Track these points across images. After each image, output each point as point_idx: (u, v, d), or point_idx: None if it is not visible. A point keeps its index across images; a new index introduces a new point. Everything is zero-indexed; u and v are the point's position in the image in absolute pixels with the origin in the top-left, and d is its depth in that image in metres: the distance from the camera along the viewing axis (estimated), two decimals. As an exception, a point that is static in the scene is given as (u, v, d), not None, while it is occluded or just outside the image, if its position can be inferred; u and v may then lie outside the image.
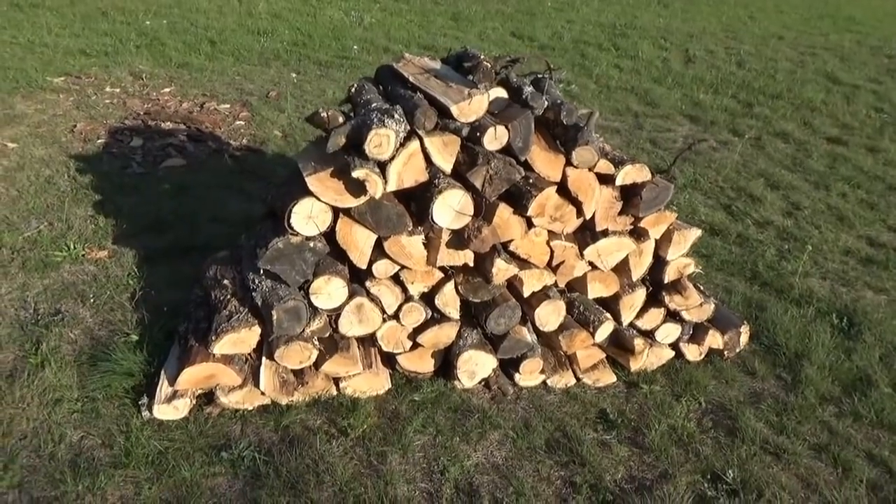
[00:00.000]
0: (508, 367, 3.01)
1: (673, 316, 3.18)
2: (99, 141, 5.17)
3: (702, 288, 3.43)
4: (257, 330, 2.69)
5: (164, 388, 2.68)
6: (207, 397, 2.75)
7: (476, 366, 2.89)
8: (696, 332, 3.25)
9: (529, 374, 2.99)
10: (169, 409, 2.63)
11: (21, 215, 4.01)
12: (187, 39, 8.11)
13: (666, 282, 3.10)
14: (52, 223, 3.97)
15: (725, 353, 3.29)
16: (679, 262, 3.09)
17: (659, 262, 3.08)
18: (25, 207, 4.10)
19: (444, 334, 2.88)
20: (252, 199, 4.39)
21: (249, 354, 2.79)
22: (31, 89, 6.09)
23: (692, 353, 3.26)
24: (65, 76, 6.54)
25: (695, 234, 3.09)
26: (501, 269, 2.71)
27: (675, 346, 3.25)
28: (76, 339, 3.08)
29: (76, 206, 4.19)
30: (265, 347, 2.77)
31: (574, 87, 7.49)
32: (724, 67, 8.82)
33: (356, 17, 9.86)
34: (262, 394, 2.74)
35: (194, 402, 2.71)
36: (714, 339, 3.24)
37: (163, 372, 2.75)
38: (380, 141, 2.39)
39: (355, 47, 8.36)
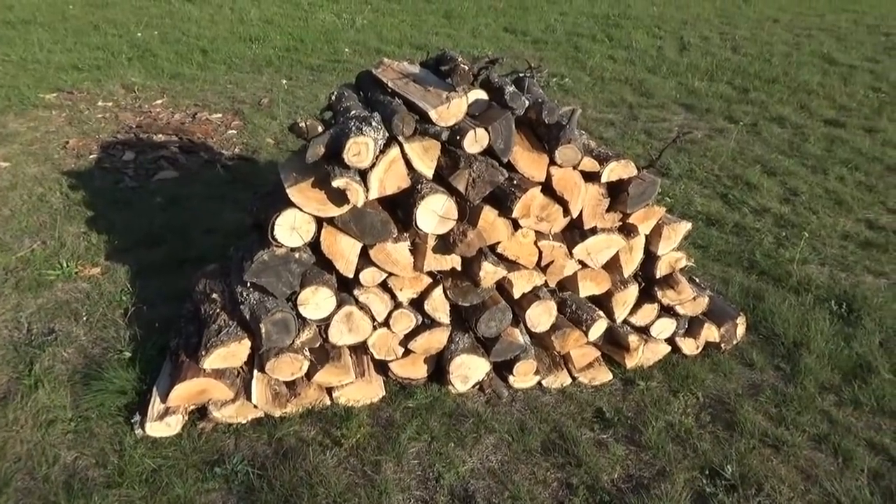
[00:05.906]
0: (502, 369, 2.99)
1: (667, 311, 3.15)
2: (91, 156, 5.18)
3: (697, 280, 3.40)
4: (247, 343, 2.68)
5: (156, 405, 2.67)
6: (200, 412, 2.74)
7: (469, 370, 2.87)
8: (692, 326, 3.22)
9: (524, 376, 2.97)
10: (161, 426, 2.63)
11: (14, 235, 4.02)
12: (179, 49, 8.11)
13: (658, 277, 3.07)
14: (45, 241, 3.97)
15: (722, 345, 3.26)
16: (670, 256, 3.06)
17: (650, 258, 3.05)
18: (18, 227, 4.11)
19: (435, 339, 2.86)
20: (245, 208, 4.37)
21: (241, 368, 2.78)
22: (24, 107, 6.11)
23: (689, 347, 3.23)
24: (57, 92, 6.56)
25: (685, 227, 3.05)
26: (489, 272, 2.69)
27: (671, 340, 3.22)
28: (70, 358, 3.08)
29: (69, 223, 4.19)
30: (256, 360, 2.75)
31: (568, 81, 7.45)
32: (719, 53, 8.75)
33: (348, 20, 9.83)
34: (255, 407, 2.73)
35: (187, 417, 2.70)
36: (710, 332, 3.21)
37: (154, 389, 2.74)
38: (358, 149, 2.37)
39: (347, 50, 8.34)
